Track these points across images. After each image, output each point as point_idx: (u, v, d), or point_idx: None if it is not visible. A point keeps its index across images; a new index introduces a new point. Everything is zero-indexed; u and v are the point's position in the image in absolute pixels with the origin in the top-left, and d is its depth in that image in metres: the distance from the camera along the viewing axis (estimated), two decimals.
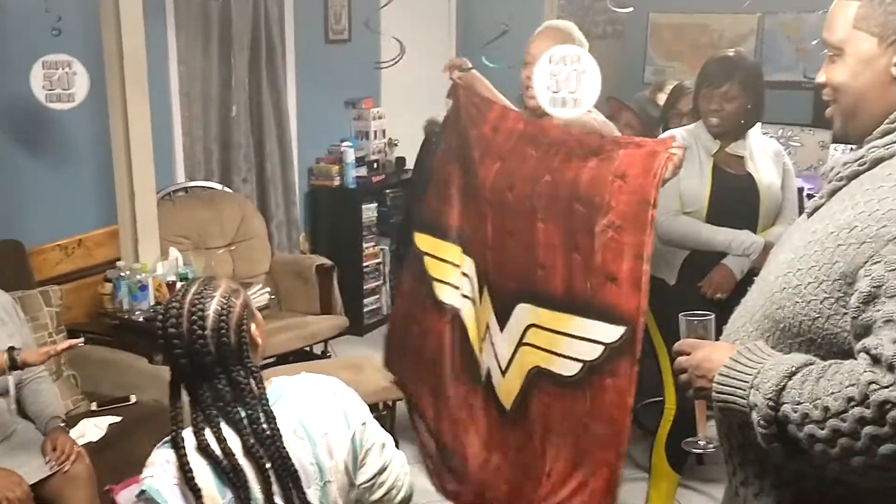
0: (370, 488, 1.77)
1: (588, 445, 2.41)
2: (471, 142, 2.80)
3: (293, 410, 1.65)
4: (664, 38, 6.12)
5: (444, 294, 2.98)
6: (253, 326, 1.65)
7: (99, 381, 3.31)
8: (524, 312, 2.58)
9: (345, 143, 5.09)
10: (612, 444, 2.35)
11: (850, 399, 1.16)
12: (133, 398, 3.20)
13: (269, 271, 4.37)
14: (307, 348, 4.10)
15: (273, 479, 1.59)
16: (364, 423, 1.73)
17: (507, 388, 2.66)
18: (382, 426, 1.85)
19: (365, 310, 5.17)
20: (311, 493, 1.63)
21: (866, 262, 1.22)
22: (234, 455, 1.57)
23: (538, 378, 2.54)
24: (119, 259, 3.64)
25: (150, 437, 2.97)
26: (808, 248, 1.31)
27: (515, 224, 2.59)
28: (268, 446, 1.58)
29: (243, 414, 1.59)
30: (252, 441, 1.58)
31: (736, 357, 1.31)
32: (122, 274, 3.52)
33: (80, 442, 2.78)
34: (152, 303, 3.52)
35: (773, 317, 1.33)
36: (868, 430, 1.14)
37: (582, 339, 2.39)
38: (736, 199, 2.88)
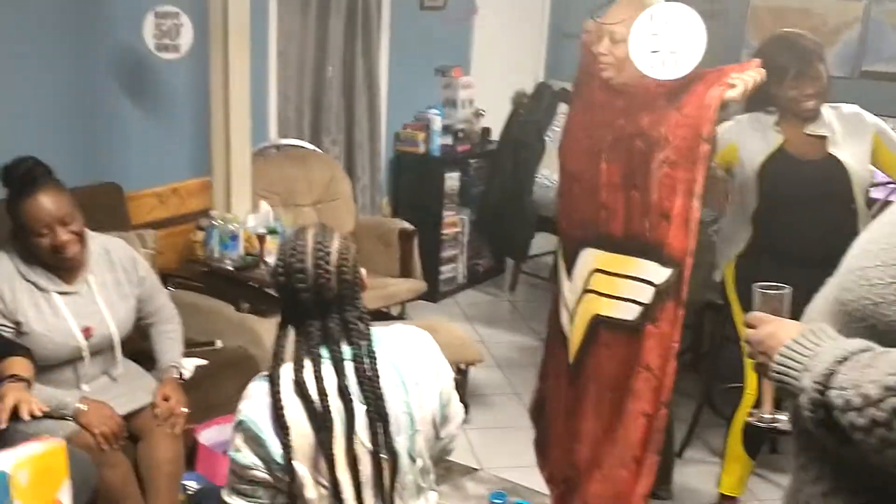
0: (450, 441, 1.82)
1: (629, 395, 2.35)
2: (578, 98, 2.72)
3: (389, 357, 1.69)
4: (763, 22, 5.94)
5: None
6: (363, 271, 1.72)
7: (186, 324, 3.35)
8: (588, 257, 2.52)
9: (432, 111, 5.11)
10: (654, 392, 2.30)
11: (889, 388, 1.09)
12: (218, 343, 3.27)
13: (352, 232, 4.45)
14: (384, 309, 4.16)
15: (365, 422, 1.63)
16: (452, 377, 1.77)
17: (573, 340, 2.60)
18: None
19: (441, 277, 5.21)
20: (401, 442, 1.67)
21: None
22: (327, 396, 1.61)
23: (597, 327, 2.48)
24: (211, 209, 3.73)
25: (233, 381, 3.07)
26: (881, 229, 1.26)
27: (582, 168, 2.53)
28: (365, 388, 1.62)
29: (348, 355, 1.64)
30: (347, 382, 1.62)
31: (797, 338, 1.26)
32: (215, 223, 3.60)
33: None
34: (241, 253, 3.60)
35: (840, 299, 1.27)
36: None
37: (641, 281, 2.33)
38: (816, 183, 2.77)
